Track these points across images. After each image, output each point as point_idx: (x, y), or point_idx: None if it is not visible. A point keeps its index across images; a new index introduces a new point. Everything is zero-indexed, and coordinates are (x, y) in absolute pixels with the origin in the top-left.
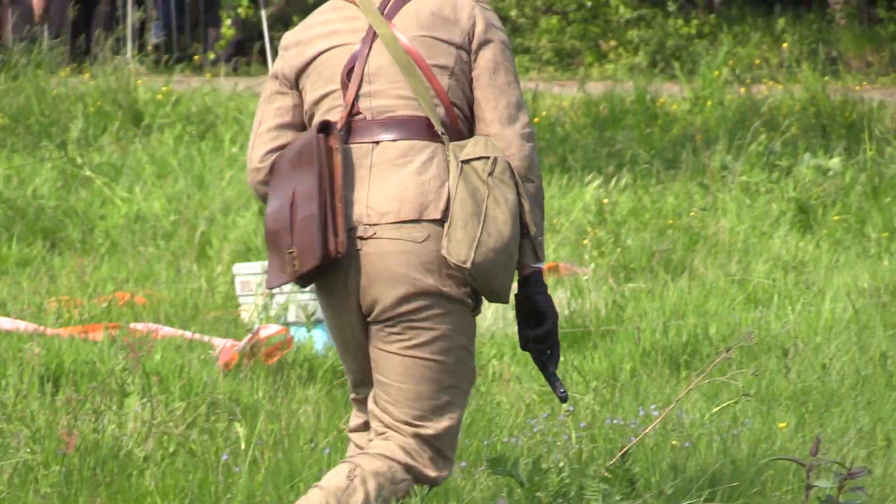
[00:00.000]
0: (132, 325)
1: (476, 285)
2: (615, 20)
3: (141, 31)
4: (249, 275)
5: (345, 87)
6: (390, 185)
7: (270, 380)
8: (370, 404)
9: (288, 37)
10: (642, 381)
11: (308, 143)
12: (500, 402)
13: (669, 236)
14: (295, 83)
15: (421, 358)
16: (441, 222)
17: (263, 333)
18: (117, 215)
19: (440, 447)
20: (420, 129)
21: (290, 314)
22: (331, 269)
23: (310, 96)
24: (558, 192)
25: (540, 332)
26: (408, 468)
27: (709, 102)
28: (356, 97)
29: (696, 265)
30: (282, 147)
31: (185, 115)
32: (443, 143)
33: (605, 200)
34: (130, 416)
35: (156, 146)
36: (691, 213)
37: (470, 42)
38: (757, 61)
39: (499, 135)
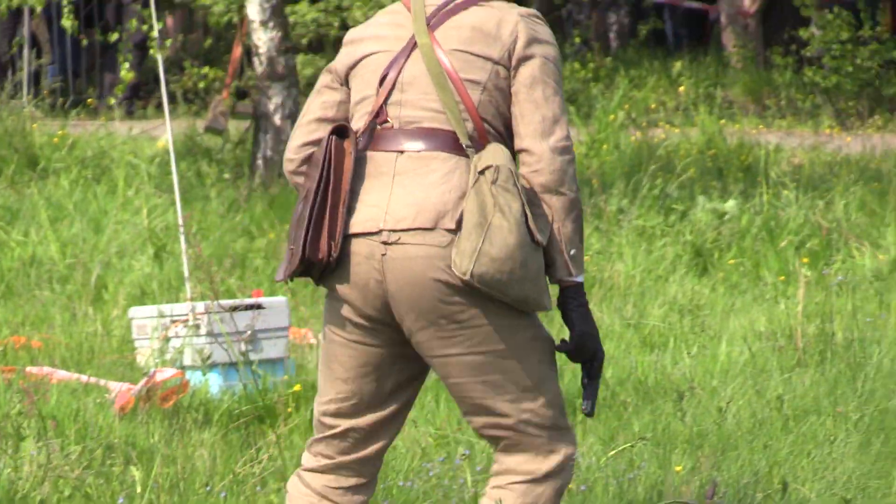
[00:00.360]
0: (28, 368)
1: (495, 296)
2: None
3: (37, 75)
4: (145, 318)
5: (379, 94)
6: (411, 193)
7: (166, 423)
8: (472, 421)
9: (349, 33)
10: None
11: (324, 142)
12: (395, 445)
13: None
14: (345, 80)
15: (488, 352)
16: (457, 232)
17: (159, 377)
18: (12, 259)
19: (550, 424)
20: (446, 141)
21: (186, 358)
22: (346, 270)
23: (353, 98)
24: None
25: (571, 345)
26: (535, 480)
27: (605, 146)
28: (385, 104)
29: (592, 309)
30: (318, 141)
31: (81, 158)
32: (468, 156)
33: None
34: (26, 460)
35: (51, 190)
36: (587, 258)
37: (510, 58)
38: (653, 105)
39: (531, 149)
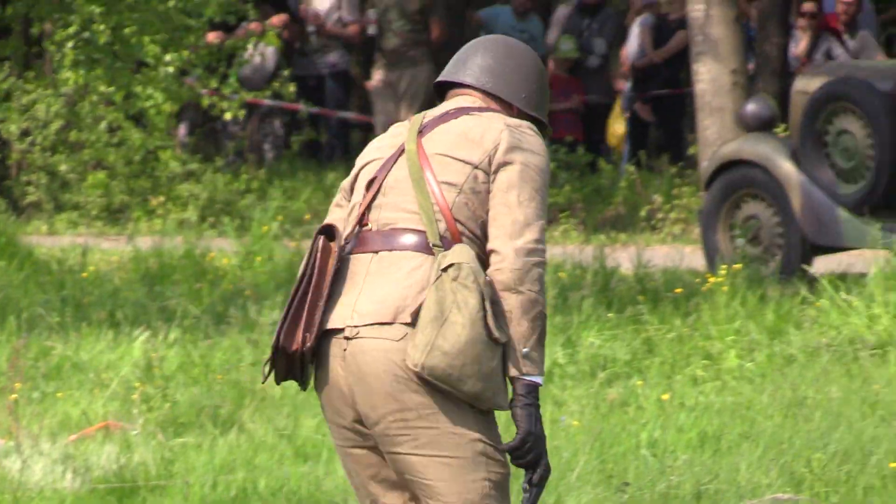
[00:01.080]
0: None
1: (448, 389)
2: (164, 175)
3: None
4: None
5: (364, 199)
6: (377, 290)
7: None
8: None
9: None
10: None
11: (313, 242)
12: None
13: (219, 391)
14: (351, 194)
15: (433, 456)
16: (414, 326)
17: None
18: None
19: None
20: (417, 242)
21: None
22: (325, 371)
23: (351, 204)
24: (107, 348)
25: (514, 443)
26: None
27: (258, 258)
28: (368, 208)
29: (245, 420)
30: None
31: None
32: (434, 261)
33: (154, 355)
34: None
35: None
36: (241, 368)
37: (490, 163)
38: (307, 216)
39: (497, 249)
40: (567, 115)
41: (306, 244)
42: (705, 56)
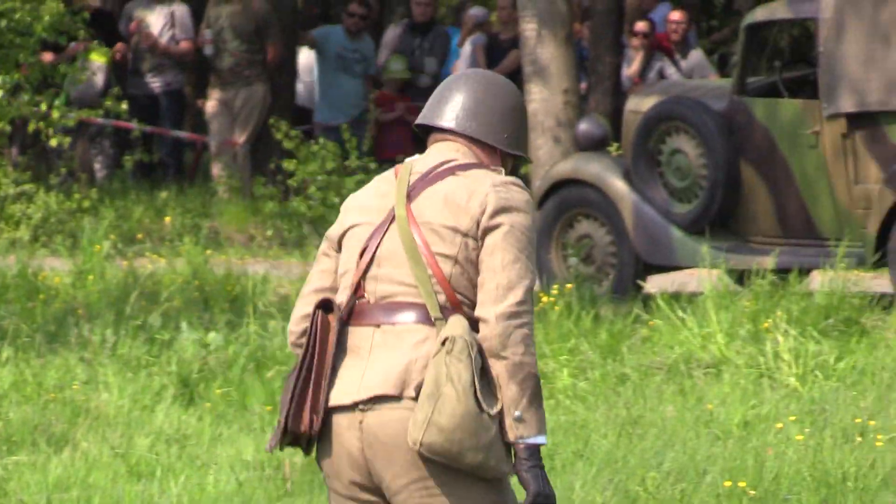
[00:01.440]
0: None
1: (450, 464)
2: None
3: None
4: None
5: (358, 268)
6: (384, 364)
7: None
8: None
9: (347, 199)
10: None
11: (312, 317)
12: None
13: (52, 410)
14: (339, 247)
15: None
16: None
17: None
18: None
19: None
20: (419, 315)
21: None
22: (331, 442)
23: (339, 269)
24: None
25: None
26: None
27: (90, 276)
28: (363, 278)
29: (79, 438)
30: None
31: None
32: (437, 334)
33: None
34: None
35: None
36: (74, 387)
37: (478, 229)
38: (140, 235)
39: (482, 316)
40: (397, 134)
41: (139, 263)
42: (537, 76)
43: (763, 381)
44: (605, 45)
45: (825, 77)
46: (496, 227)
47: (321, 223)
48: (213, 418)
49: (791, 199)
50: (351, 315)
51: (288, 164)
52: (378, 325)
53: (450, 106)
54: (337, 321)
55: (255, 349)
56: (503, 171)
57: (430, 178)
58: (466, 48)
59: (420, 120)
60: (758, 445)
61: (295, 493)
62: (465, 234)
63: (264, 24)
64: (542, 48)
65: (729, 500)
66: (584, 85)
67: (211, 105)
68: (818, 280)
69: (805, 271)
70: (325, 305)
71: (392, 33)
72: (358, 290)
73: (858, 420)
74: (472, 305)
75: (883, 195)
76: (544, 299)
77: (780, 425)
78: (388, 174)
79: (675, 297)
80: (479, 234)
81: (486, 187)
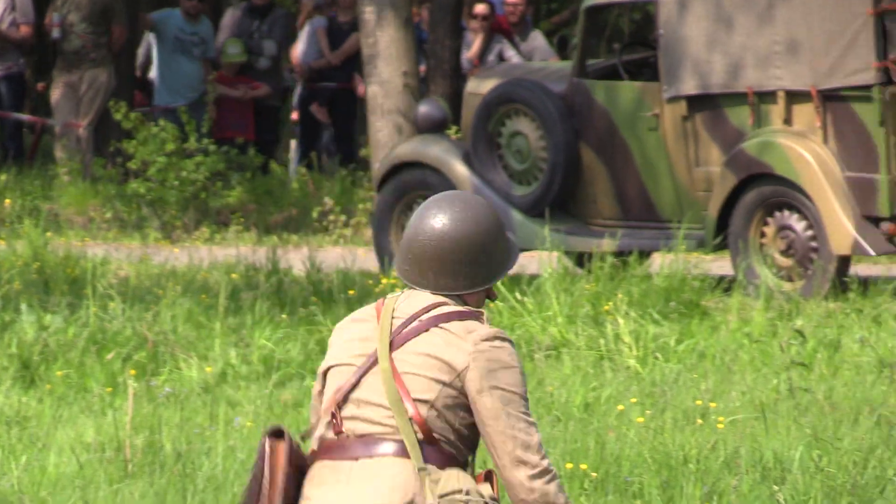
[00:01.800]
0: None
1: None
2: None
3: None
4: None
5: (337, 406)
6: (361, 496)
7: None
8: None
9: (334, 331)
10: None
11: (260, 444)
12: None
13: None
14: (324, 381)
15: None
16: None
17: None
18: None
19: None
20: (397, 449)
21: None
22: None
23: (322, 405)
24: None
25: None
26: None
27: None
28: (342, 418)
29: None
30: None
31: None
32: (415, 467)
33: None
34: None
35: None
36: None
37: (462, 382)
38: None
39: (510, 480)
40: (236, 114)
41: None
42: (377, 58)
43: (604, 364)
44: (444, 28)
45: (665, 59)
46: (489, 390)
47: (160, 205)
48: (54, 400)
49: (631, 181)
50: (329, 450)
51: (127, 146)
52: (356, 459)
53: (423, 270)
54: (288, 446)
55: (95, 331)
56: (485, 313)
57: (413, 330)
58: (306, 30)
59: (399, 274)
60: (599, 427)
61: (136, 475)
62: (446, 384)
63: (110, 6)
64: (382, 31)
65: (570, 483)
66: (423, 68)
67: (56, 87)
68: (658, 262)
69: (646, 254)
70: (276, 433)
71: (230, 16)
72: (336, 426)
73: (699, 402)
74: (447, 442)
75: (724, 177)
76: (384, 281)
77: (621, 407)
78: (370, 313)
79: (514, 280)
80: (466, 390)
81: (468, 346)
